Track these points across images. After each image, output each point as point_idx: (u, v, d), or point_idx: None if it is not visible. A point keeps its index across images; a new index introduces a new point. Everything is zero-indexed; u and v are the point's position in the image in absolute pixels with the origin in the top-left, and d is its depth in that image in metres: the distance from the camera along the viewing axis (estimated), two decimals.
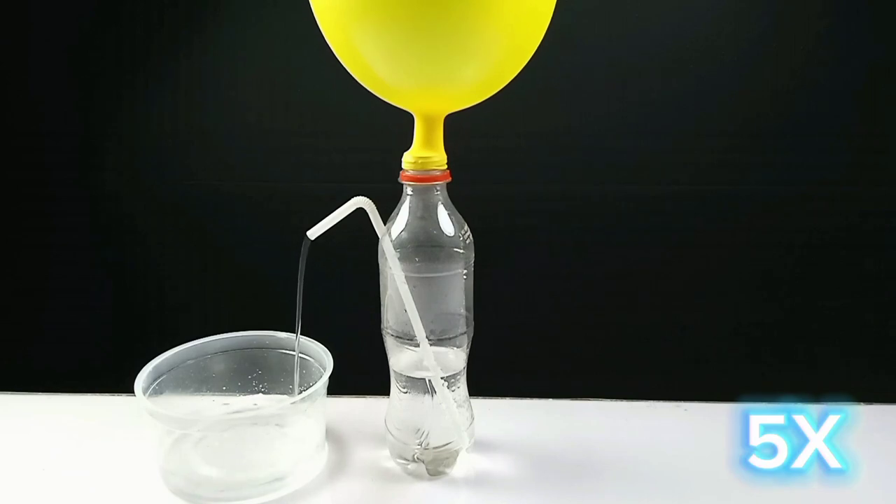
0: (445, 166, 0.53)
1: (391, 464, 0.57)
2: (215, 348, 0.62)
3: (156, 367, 0.57)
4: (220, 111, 0.85)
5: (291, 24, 0.83)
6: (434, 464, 0.55)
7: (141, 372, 0.56)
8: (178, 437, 0.56)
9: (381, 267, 0.54)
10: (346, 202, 0.51)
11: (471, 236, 0.54)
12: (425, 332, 0.52)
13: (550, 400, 0.68)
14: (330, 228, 0.50)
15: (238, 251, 0.88)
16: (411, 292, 0.51)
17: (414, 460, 0.55)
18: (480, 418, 0.58)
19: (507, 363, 0.81)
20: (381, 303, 0.55)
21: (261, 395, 0.63)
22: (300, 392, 0.56)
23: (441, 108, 0.51)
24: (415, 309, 0.51)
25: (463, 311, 0.54)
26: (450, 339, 0.53)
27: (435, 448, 0.55)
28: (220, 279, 0.90)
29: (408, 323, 0.52)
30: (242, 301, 0.89)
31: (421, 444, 0.55)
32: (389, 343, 0.55)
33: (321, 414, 0.58)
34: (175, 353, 0.59)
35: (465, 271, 0.53)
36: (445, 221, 0.53)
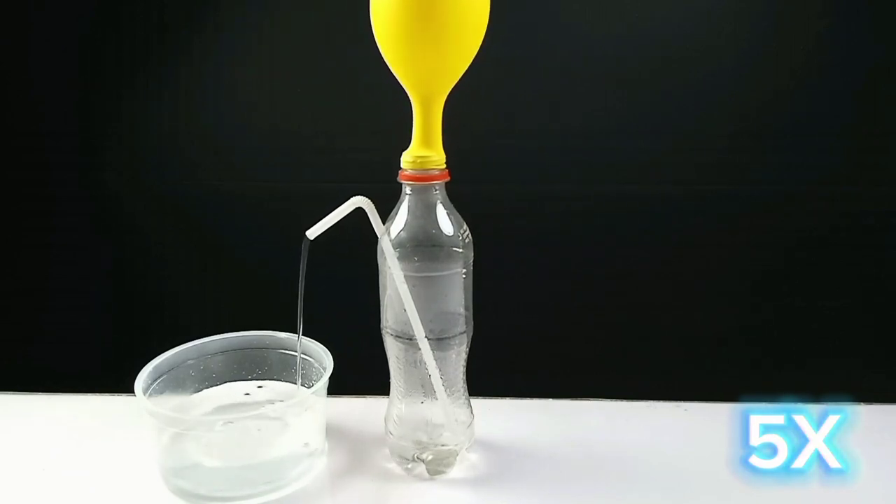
0: (444, 165, 0.53)
1: (391, 464, 0.57)
2: (215, 348, 0.62)
3: (156, 367, 0.57)
4: (220, 111, 0.85)
5: (292, 25, 0.83)
6: (434, 463, 0.55)
7: (141, 372, 0.56)
8: (178, 435, 0.56)
9: (380, 266, 0.54)
10: (345, 202, 0.51)
11: (470, 235, 0.54)
12: (424, 331, 0.52)
13: (550, 400, 0.68)
14: (329, 228, 0.50)
15: (238, 251, 0.88)
16: (410, 292, 0.51)
17: (414, 460, 0.55)
18: (480, 418, 0.58)
19: (507, 363, 0.81)
20: (381, 302, 0.55)
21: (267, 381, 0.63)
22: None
23: (432, 84, 0.53)
24: (414, 308, 0.51)
25: (462, 310, 0.54)
26: (449, 338, 0.53)
27: (435, 447, 0.55)
28: (220, 279, 0.90)
29: (407, 322, 0.52)
30: (243, 301, 0.89)
31: (421, 444, 0.55)
32: (389, 343, 0.55)
33: (321, 414, 0.58)
34: (175, 353, 0.60)
35: (464, 270, 0.53)
36: (444, 221, 0.53)
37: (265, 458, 0.56)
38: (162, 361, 0.58)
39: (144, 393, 0.54)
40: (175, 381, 0.59)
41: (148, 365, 0.57)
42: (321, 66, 0.83)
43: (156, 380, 0.57)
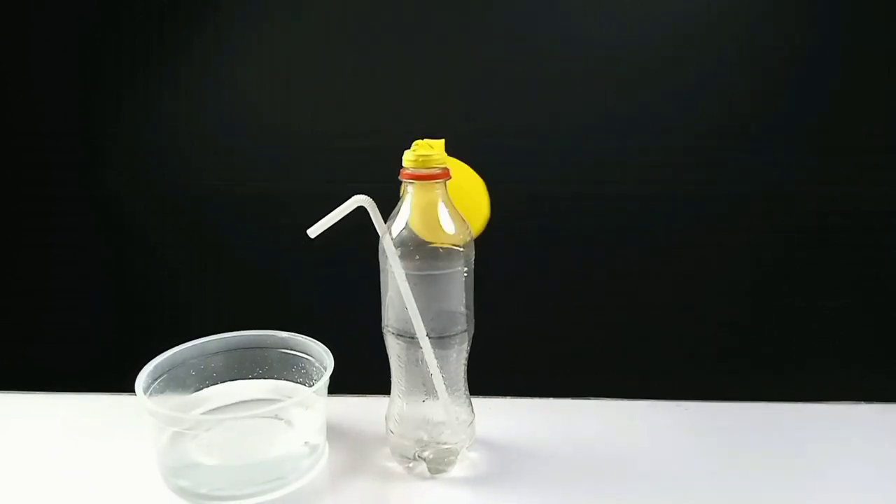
0: (445, 164, 0.53)
1: (392, 462, 0.57)
2: (216, 348, 0.62)
3: (156, 367, 0.57)
4: (220, 111, 0.85)
5: (292, 25, 0.83)
6: (435, 462, 0.55)
7: (142, 371, 0.56)
8: (178, 434, 0.56)
9: (381, 265, 0.54)
10: (346, 201, 0.51)
11: (471, 234, 0.54)
12: (425, 330, 0.52)
13: (550, 400, 0.68)
14: (330, 228, 0.50)
15: (238, 251, 0.88)
16: (412, 290, 0.51)
17: (415, 458, 0.55)
18: (481, 417, 0.58)
19: (507, 363, 0.80)
20: (382, 301, 0.55)
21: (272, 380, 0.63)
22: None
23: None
24: (415, 307, 0.51)
25: (463, 309, 0.54)
26: (450, 337, 0.53)
27: (436, 446, 0.55)
28: (220, 279, 0.90)
29: (408, 321, 0.52)
30: (243, 300, 0.89)
31: (422, 443, 0.55)
32: (390, 342, 0.55)
33: (322, 413, 0.58)
34: (175, 353, 0.59)
35: (465, 269, 0.53)
36: (446, 219, 0.53)
37: (265, 457, 0.56)
38: (162, 361, 0.58)
39: (145, 392, 0.54)
40: (175, 381, 0.59)
41: (148, 364, 0.57)
42: (322, 66, 0.83)
43: (156, 379, 0.57)
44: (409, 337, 0.53)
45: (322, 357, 0.58)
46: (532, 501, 0.53)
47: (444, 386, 0.53)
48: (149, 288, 0.91)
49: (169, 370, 0.59)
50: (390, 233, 0.52)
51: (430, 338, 0.52)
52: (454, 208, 0.54)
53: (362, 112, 0.83)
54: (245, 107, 0.85)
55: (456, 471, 0.56)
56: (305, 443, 0.57)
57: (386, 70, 0.82)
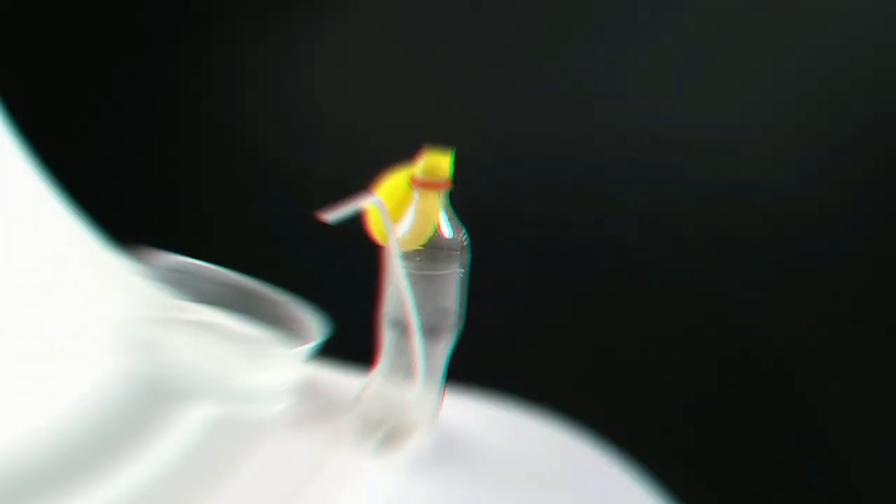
0: (449, 175, 0.55)
1: (350, 433, 0.57)
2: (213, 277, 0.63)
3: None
4: (221, 111, 0.85)
5: (294, 27, 0.83)
6: (389, 438, 0.56)
7: None
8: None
9: (386, 261, 0.57)
10: (359, 197, 0.53)
11: (467, 238, 0.57)
12: (419, 323, 0.55)
13: (548, 400, 0.68)
14: (330, 227, 0.52)
15: (238, 249, 0.88)
16: (411, 287, 0.55)
17: (373, 432, 0.57)
18: (478, 418, 0.59)
19: (506, 363, 0.81)
20: (384, 292, 0.57)
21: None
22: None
23: None
24: (412, 302, 0.55)
25: (456, 307, 0.58)
26: (440, 331, 0.57)
27: (396, 424, 0.57)
28: None
29: (405, 314, 0.55)
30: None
31: (383, 421, 0.57)
32: (385, 330, 0.58)
33: (299, 373, 0.59)
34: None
35: (461, 270, 0.57)
36: (445, 225, 0.56)
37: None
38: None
39: None
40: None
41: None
42: (325, 67, 0.83)
43: None
44: (403, 328, 0.56)
45: (311, 325, 0.60)
46: (526, 502, 0.53)
47: (424, 375, 0.56)
48: None
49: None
50: (395, 234, 0.55)
51: (422, 331, 0.55)
52: (453, 214, 0.57)
53: (365, 114, 0.83)
54: (247, 107, 0.85)
55: (443, 468, 0.56)
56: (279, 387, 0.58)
57: (386, 70, 0.82)
